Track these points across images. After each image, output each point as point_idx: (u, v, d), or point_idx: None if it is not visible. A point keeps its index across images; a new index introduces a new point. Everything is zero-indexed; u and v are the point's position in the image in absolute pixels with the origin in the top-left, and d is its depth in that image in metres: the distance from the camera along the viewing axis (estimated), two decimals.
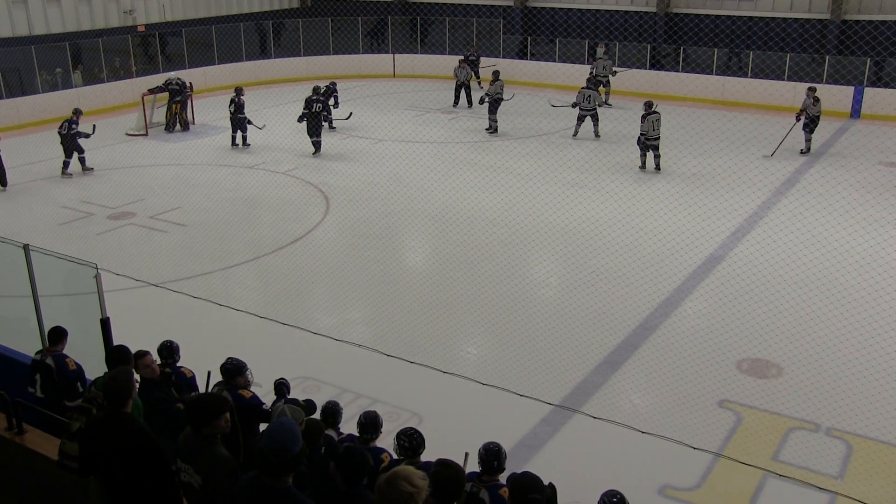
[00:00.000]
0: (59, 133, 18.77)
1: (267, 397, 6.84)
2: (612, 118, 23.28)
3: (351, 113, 23.02)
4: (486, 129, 22.57)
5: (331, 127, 22.35)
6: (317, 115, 20.11)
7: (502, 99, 22.47)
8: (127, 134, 22.61)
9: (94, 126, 19.93)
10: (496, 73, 22.93)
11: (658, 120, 18.38)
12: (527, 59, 30.04)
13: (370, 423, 6.03)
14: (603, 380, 9.81)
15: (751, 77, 25.78)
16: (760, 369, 10.03)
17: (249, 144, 20.94)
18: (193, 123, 23.62)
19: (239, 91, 20.85)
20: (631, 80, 26.63)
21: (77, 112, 19.27)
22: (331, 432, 6.22)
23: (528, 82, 28.75)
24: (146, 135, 22.46)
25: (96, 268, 7.33)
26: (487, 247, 14.14)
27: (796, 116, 20.05)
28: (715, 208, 15.49)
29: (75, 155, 18.74)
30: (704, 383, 9.56)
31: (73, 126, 18.71)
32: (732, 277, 12.57)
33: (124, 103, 25.37)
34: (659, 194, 16.70)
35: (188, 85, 23.12)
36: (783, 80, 25.31)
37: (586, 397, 9.41)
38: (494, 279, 12.73)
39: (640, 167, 18.70)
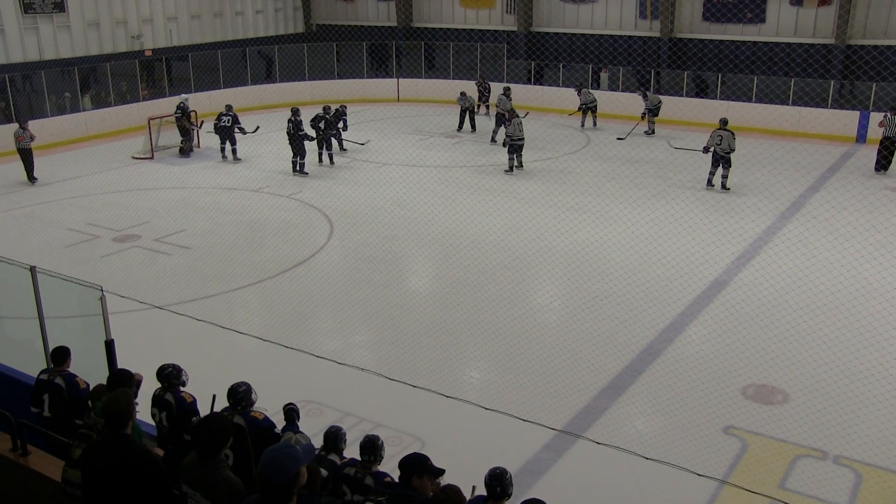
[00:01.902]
0: (215, 125, 21.92)
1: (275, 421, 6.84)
2: (616, 144, 23.36)
3: (369, 140, 23.35)
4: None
5: (342, 148, 22.55)
6: (304, 136, 20.62)
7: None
8: (133, 157, 22.73)
9: (258, 127, 22.70)
10: (512, 112, 22.20)
11: (521, 123, 20.59)
12: (531, 83, 30.18)
13: (370, 445, 6.02)
14: (606, 405, 9.78)
15: (755, 102, 25.86)
16: (766, 395, 10.00)
17: (306, 172, 21.01)
18: (199, 147, 23.75)
19: (295, 111, 20.87)
20: (628, 106, 26.72)
21: (228, 107, 22.25)
22: (334, 457, 6.22)
23: (533, 106, 28.87)
24: (152, 158, 22.58)
25: (101, 290, 7.36)
26: (490, 271, 14.15)
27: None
28: (719, 233, 15.50)
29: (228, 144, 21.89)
30: (709, 409, 9.53)
31: (225, 119, 21.82)
32: (737, 302, 12.57)
33: (130, 127, 25.52)
34: (663, 219, 16.73)
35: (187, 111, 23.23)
36: (787, 104, 25.39)
37: (590, 423, 9.38)
38: (497, 303, 12.72)
39: (505, 170, 20.71)
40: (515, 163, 20.98)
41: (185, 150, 23.04)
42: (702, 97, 26.16)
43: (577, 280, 13.74)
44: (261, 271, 14.31)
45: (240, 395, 6.52)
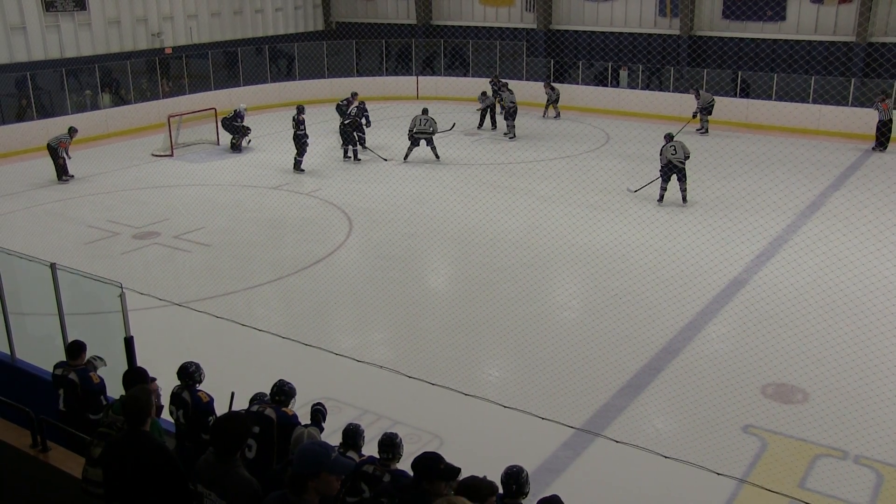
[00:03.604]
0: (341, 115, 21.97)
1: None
2: (636, 142, 23.26)
3: (454, 123, 23.66)
4: (507, 136, 24.02)
5: (363, 146, 22.45)
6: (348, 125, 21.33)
7: (515, 106, 23.84)
8: (153, 155, 22.84)
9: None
10: (504, 84, 24.63)
11: (426, 121, 21.30)
12: (551, 80, 30.08)
13: (388, 443, 6.03)
14: (625, 403, 9.74)
15: (775, 100, 25.66)
16: (786, 394, 9.91)
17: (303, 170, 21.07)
18: (217, 144, 23.85)
19: (300, 110, 21.02)
20: (653, 104, 26.61)
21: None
22: (352, 454, 6.21)
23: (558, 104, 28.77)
24: (171, 155, 22.67)
25: (121, 287, 7.38)
26: (510, 269, 14.11)
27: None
28: (739, 231, 15.40)
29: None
30: (729, 408, 9.46)
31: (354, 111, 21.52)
32: (757, 301, 12.47)
33: (150, 124, 25.64)
34: (682, 217, 16.63)
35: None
36: (807, 102, 25.18)
37: (608, 421, 9.34)
38: (516, 301, 12.69)
39: (404, 158, 21.67)
40: (509, 135, 23.42)
41: (237, 146, 23.22)
42: (722, 95, 25.91)
43: (596, 278, 13.68)
44: (280, 269, 14.34)
45: (286, 390, 6.78)
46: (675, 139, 17.78)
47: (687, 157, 17.43)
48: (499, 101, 25.78)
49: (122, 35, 28.67)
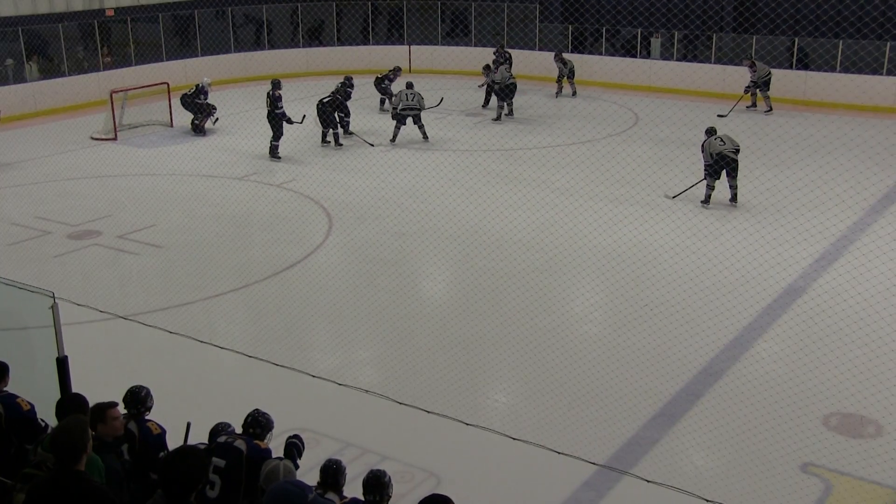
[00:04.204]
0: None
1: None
2: (669, 124, 23.27)
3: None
4: (495, 119, 24.77)
5: (347, 131, 22.53)
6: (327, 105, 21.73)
7: (513, 83, 24.71)
8: (92, 138, 22.87)
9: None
10: (508, 56, 26.20)
11: (414, 95, 22.00)
12: (568, 52, 30.10)
13: (375, 483, 6.04)
14: (658, 436, 9.73)
15: (840, 72, 25.66)
16: (854, 426, 9.90)
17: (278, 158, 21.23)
18: (171, 126, 23.88)
19: (276, 84, 21.14)
20: (690, 78, 26.63)
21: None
22: (332, 496, 6.21)
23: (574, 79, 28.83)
24: (115, 139, 22.70)
25: (53, 297, 7.37)
26: (520, 274, 14.12)
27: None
28: (794, 230, 15.39)
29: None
30: (783, 442, 9.45)
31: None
32: (817, 314, 12.45)
33: (89, 101, 25.67)
34: (726, 213, 16.62)
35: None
36: (881, 74, 25.17)
37: (638, 456, 9.33)
38: (528, 313, 12.70)
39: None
40: (506, 110, 24.29)
41: (199, 127, 23.35)
42: (775, 67, 25.93)
43: (622, 286, 13.68)
44: (246, 274, 14.33)
45: (262, 423, 6.87)
46: (718, 133, 17.54)
47: (738, 150, 17.32)
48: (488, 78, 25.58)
49: None
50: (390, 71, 25.41)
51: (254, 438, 6.76)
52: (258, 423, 6.87)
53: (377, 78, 25.58)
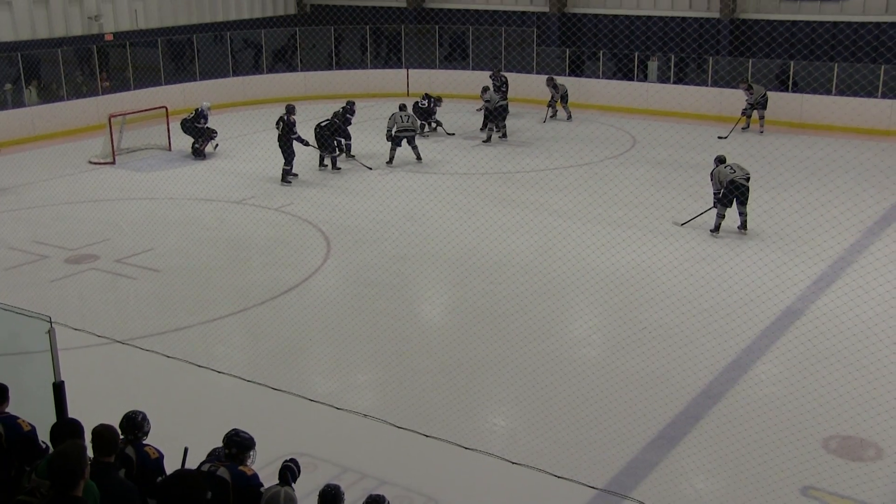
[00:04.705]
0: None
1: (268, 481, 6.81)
2: (667, 146, 23.30)
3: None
4: (484, 141, 24.87)
5: (349, 154, 22.60)
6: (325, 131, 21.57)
7: (505, 106, 24.89)
8: (90, 162, 22.88)
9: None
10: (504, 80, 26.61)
11: (408, 117, 22.31)
12: (566, 75, 30.21)
13: None
14: (658, 459, 9.70)
15: (835, 95, 25.75)
16: (854, 450, 9.88)
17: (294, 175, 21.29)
18: (169, 150, 23.91)
19: (290, 110, 21.20)
20: (687, 101, 26.70)
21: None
22: None
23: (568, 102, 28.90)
24: (113, 163, 22.71)
25: (50, 321, 7.35)
26: (518, 298, 14.11)
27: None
28: (793, 252, 15.40)
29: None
30: (783, 465, 9.43)
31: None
32: (816, 336, 12.44)
33: (88, 125, 25.70)
34: (724, 236, 16.63)
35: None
36: (876, 97, 25.26)
37: (638, 480, 9.30)
38: (526, 337, 12.67)
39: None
40: (497, 133, 24.47)
41: (200, 151, 23.34)
42: (771, 90, 26.02)
43: (621, 308, 13.68)
44: (244, 298, 14.32)
45: (245, 444, 6.76)
46: (728, 161, 17.34)
47: (748, 178, 16.97)
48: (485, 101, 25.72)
49: (51, 18, 28.75)
50: (428, 101, 26.04)
51: (235, 460, 6.65)
52: (234, 443, 6.75)
53: (416, 104, 25.74)
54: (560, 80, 27.98)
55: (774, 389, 11.20)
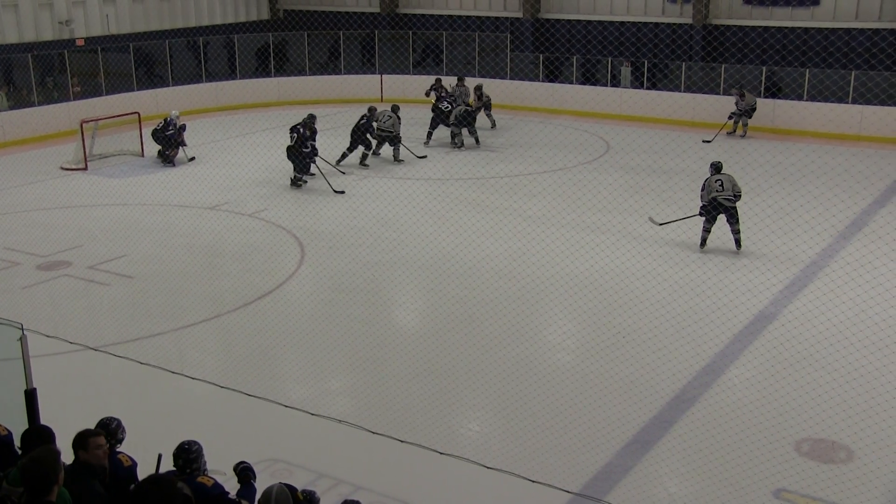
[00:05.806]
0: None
1: (230, 485, 6.80)
2: (641, 152, 23.41)
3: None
4: (455, 145, 24.89)
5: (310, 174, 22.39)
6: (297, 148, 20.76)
7: (469, 108, 25.05)
8: (62, 168, 22.73)
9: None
10: (465, 88, 26.41)
11: (391, 117, 22.71)
12: (539, 80, 30.32)
13: None
14: (632, 463, 9.74)
15: (807, 100, 25.97)
16: (825, 452, 9.96)
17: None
18: (142, 156, 23.81)
19: (312, 119, 21.25)
20: (660, 106, 26.86)
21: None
22: None
23: (540, 108, 28.97)
24: (85, 169, 22.58)
25: (21, 328, 7.32)
26: (493, 303, 14.14)
27: None
28: (765, 256, 15.51)
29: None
30: (756, 468, 9.50)
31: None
32: (788, 340, 12.55)
33: (59, 131, 25.53)
34: (697, 240, 16.72)
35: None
36: (847, 102, 25.47)
37: (612, 484, 9.34)
38: (501, 342, 12.70)
39: (366, 157, 23.04)
40: (459, 141, 24.73)
41: (170, 157, 23.16)
42: (743, 96, 26.19)
43: (595, 314, 13.73)
44: (218, 304, 14.28)
45: (192, 456, 6.62)
46: (723, 171, 16.72)
47: (738, 196, 16.28)
48: (487, 113, 26.02)
49: (20, 22, 28.52)
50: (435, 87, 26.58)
51: (193, 476, 6.55)
52: (184, 451, 6.70)
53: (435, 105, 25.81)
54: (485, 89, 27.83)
55: (747, 393, 11.27)
